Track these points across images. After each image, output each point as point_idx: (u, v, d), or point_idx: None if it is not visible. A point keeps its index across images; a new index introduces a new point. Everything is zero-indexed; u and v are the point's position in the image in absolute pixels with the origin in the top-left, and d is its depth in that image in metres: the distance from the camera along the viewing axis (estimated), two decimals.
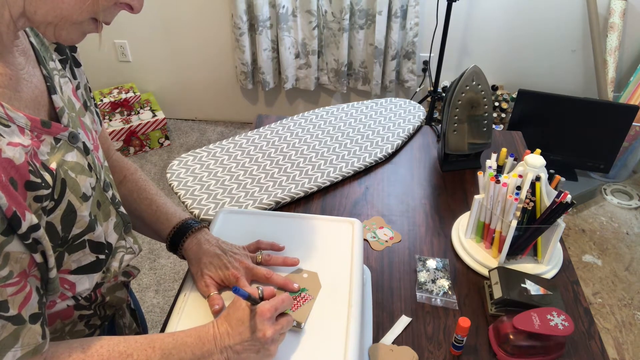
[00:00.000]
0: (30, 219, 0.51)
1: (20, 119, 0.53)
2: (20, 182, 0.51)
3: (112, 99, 2.80)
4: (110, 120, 2.76)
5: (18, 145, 0.51)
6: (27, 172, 0.52)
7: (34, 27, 0.56)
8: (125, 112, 2.82)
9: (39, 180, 0.53)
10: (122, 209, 0.73)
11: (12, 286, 0.50)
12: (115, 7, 0.55)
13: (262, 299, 0.68)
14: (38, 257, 0.54)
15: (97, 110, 0.78)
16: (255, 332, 0.64)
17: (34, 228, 0.52)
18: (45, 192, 0.54)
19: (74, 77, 0.70)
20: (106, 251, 0.67)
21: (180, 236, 0.81)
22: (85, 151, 0.64)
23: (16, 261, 0.51)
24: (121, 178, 0.86)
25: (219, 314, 0.73)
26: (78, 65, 0.72)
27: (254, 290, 0.69)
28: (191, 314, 0.74)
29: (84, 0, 0.51)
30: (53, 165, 0.57)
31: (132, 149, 2.81)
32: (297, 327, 0.71)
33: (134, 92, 2.87)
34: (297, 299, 0.76)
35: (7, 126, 0.51)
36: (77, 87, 0.71)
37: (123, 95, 2.84)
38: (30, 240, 0.52)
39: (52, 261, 0.56)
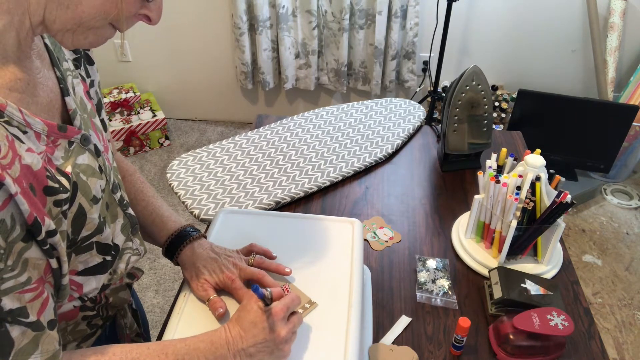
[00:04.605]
0: (48, 224, 0.51)
1: (37, 124, 0.53)
2: (38, 188, 0.51)
3: (112, 99, 2.80)
4: (110, 120, 2.76)
5: (33, 152, 0.52)
6: (44, 177, 0.52)
7: (50, 35, 0.57)
8: (125, 112, 2.82)
9: (56, 185, 0.54)
10: (129, 211, 0.73)
11: (31, 292, 0.50)
12: (134, 18, 0.56)
13: (271, 300, 0.67)
14: (54, 263, 0.54)
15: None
16: (270, 333, 0.65)
17: (51, 234, 0.52)
18: (64, 196, 0.55)
19: (88, 75, 0.71)
20: (113, 252, 0.67)
21: (178, 244, 0.81)
22: (97, 153, 0.64)
23: (34, 267, 0.51)
24: (120, 177, 0.86)
25: (223, 317, 0.73)
26: (91, 63, 0.72)
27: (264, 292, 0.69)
28: (191, 314, 0.74)
29: (104, 10, 0.52)
30: (68, 169, 0.57)
31: (132, 149, 2.81)
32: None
33: (134, 92, 2.87)
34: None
35: (25, 132, 0.52)
36: (91, 85, 0.71)
37: (123, 95, 2.84)
38: (47, 246, 0.52)
39: (65, 267, 0.56)
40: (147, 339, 0.94)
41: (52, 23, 0.52)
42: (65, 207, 0.55)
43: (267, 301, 0.66)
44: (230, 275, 0.76)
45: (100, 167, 0.64)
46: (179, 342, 0.64)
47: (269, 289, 0.68)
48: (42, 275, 0.53)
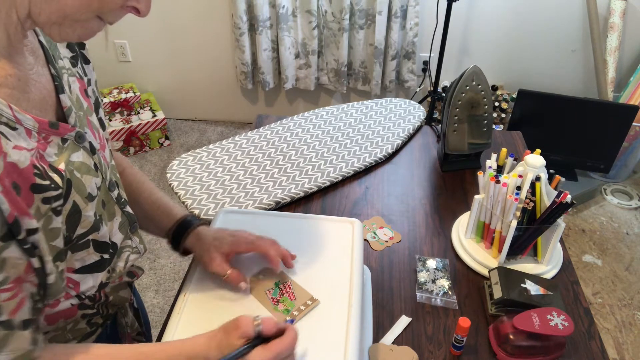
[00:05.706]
0: (29, 223, 0.51)
1: (27, 120, 0.53)
2: (24, 186, 0.51)
3: (112, 99, 2.80)
4: (110, 120, 2.76)
5: (22, 149, 0.51)
6: (32, 175, 0.52)
7: (39, 28, 0.56)
8: (125, 112, 2.82)
9: (46, 182, 0.53)
10: (128, 209, 0.73)
11: (6, 292, 0.50)
12: (122, 10, 0.55)
13: (260, 334, 0.61)
14: (36, 262, 0.54)
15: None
16: None
17: (32, 232, 0.52)
18: (55, 193, 0.54)
19: (85, 74, 0.70)
20: (110, 251, 0.67)
21: (186, 227, 0.82)
22: (92, 151, 0.64)
23: (13, 267, 0.51)
24: (120, 170, 0.86)
25: (246, 291, 0.76)
26: (87, 62, 0.72)
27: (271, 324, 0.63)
28: (191, 314, 0.74)
29: (86, 2, 0.51)
30: (61, 166, 0.57)
31: (132, 149, 2.81)
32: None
33: (134, 92, 2.87)
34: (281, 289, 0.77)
35: (15, 129, 0.51)
36: (88, 84, 0.71)
37: (123, 95, 2.84)
38: (28, 245, 0.52)
39: (50, 266, 0.55)
40: (148, 338, 0.94)
41: (38, 16, 0.51)
42: (57, 204, 0.55)
43: (253, 343, 0.60)
44: (244, 234, 0.78)
45: (95, 164, 0.64)
46: (158, 353, 0.61)
47: (259, 317, 0.62)
48: (22, 275, 0.52)
